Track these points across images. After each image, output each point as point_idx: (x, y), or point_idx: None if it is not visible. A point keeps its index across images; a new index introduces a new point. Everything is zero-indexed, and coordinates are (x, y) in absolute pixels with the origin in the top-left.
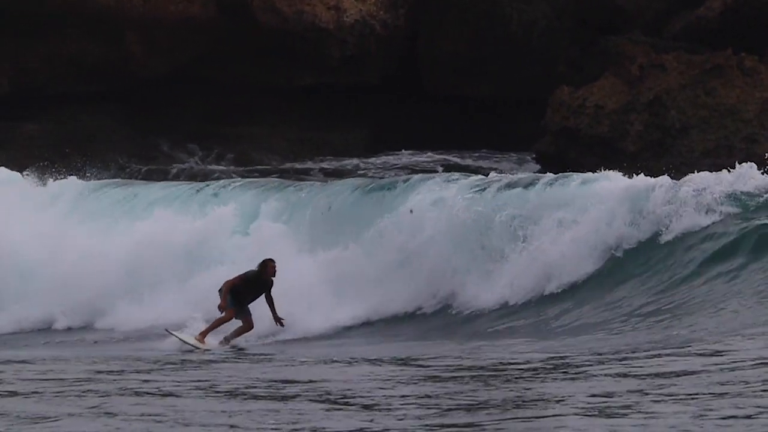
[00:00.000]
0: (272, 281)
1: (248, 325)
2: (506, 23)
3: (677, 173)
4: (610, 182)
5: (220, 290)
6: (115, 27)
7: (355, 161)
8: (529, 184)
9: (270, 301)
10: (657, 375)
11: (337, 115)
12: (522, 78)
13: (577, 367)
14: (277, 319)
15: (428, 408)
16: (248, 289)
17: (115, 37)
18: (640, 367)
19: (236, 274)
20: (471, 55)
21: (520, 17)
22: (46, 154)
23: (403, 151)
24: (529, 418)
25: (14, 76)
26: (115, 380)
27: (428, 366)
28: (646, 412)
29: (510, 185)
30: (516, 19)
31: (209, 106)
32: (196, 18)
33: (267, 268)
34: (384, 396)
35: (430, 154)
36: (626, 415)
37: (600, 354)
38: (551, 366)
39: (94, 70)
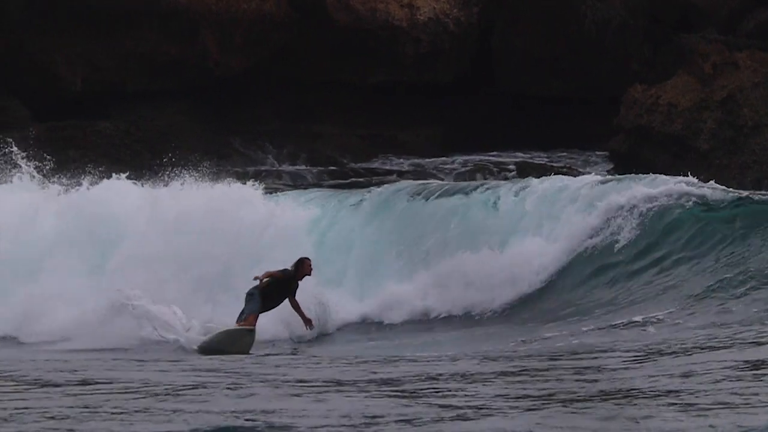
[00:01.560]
0: (298, 285)
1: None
2: (580, 21)
3: (750, 171)
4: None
5: (251, 294)
6: (189, 25)
7: (436, 161)
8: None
9: (296, 305)
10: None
11: (410, 113)
12: (595, 76)
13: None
14: (307, 321)
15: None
16: (279, 289)
17: (190, 35)
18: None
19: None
20: (544, 53)
21: (594, 15)
22: (120, 152)
23: (491, 152)
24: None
25: (88, 74)
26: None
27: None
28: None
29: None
30: (590, 17)
31: (282, 103)
32: (269, 16)
33: (303, 266)
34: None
35: (506, 153)
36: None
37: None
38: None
39: (168, 68)
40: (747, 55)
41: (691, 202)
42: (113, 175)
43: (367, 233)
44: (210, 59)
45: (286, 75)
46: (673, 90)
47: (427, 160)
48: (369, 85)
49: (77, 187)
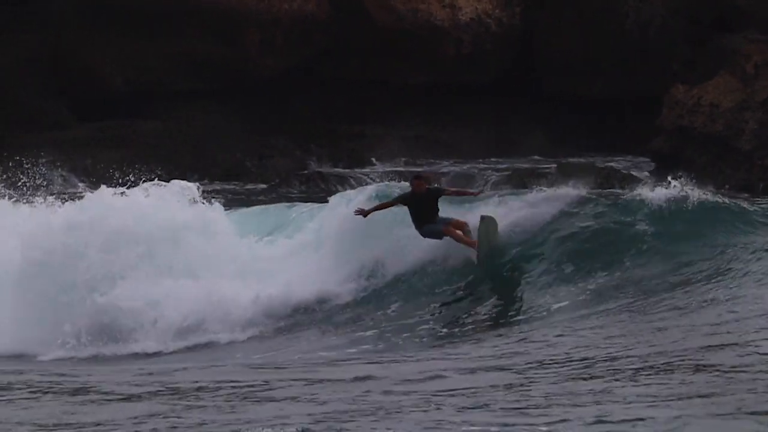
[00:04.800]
0: (438, 189)
1: (460, 226)
2: (621, 22)
3: None
4: None
5: (423, 231)
6: (232, 25)
7: (480, 165)
8: None
9: (455, 192)
10: None
11: (452, 114)
12: (637, 77)
13: None
14: (474, 194)
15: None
16: (419, 206)
17: (232, 35)
18: None
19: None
20: (586, 53)
21: (635, 16)
22: (162, 152)
23: (533, 154)
24: None
25: (131, 74)
26: None
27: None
28: None
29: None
30: (632, 18)
31: (323, 104)
32: (310, 16)
33: (413, 186)
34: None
35: (548, 155)
36: None
37: None
38: None
39: (210, 68)
40: None
41: None
42: None
43: None
44: (251, 60)
45: (327, 75)
46: (714, 90)
47: (467, 164)
48: (411, 86)
49: None
